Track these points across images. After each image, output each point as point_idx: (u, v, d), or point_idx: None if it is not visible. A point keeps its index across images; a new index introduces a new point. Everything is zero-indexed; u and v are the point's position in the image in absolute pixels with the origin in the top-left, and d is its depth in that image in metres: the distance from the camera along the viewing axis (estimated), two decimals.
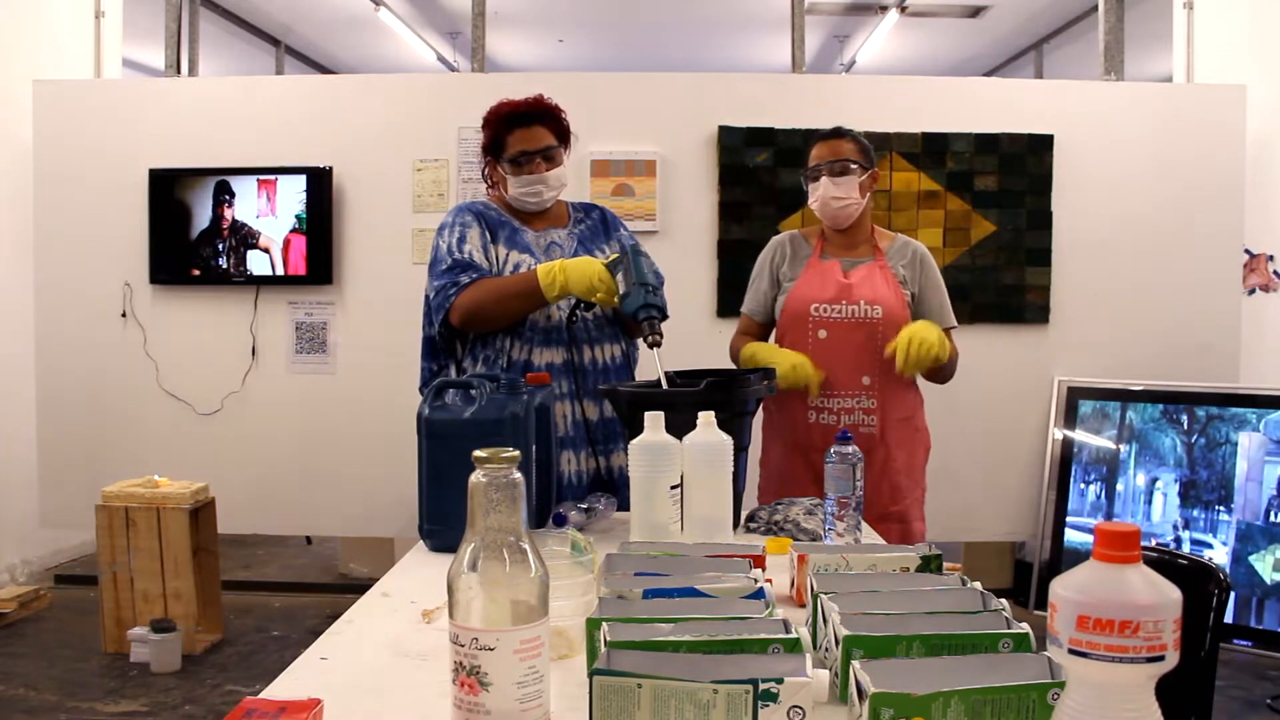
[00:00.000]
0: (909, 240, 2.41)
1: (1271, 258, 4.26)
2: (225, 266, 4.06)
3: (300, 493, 4.06)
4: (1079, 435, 3.94)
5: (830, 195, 2.28)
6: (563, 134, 2.15)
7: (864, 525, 1.72)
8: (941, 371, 2.33)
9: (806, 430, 2.29)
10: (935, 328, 2.23)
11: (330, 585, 4.58)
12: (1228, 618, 2.83)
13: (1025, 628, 0.99)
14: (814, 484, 2.22)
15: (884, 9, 6.74)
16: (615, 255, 2.03)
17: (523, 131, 2.10)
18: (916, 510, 2.38)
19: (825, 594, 1.09)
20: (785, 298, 2.34)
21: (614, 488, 2.02)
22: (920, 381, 2.42)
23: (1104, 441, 3.90)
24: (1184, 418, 3.75)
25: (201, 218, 4.03)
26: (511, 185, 2.12)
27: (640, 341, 2.02)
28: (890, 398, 2.31)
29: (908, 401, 2.36)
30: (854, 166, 2.29)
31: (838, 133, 2.35)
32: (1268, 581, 3.46)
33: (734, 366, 2.36)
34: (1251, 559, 3.51)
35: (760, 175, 3.96)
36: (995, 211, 4.01)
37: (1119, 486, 3.84)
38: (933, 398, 3.92)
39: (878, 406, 2.29)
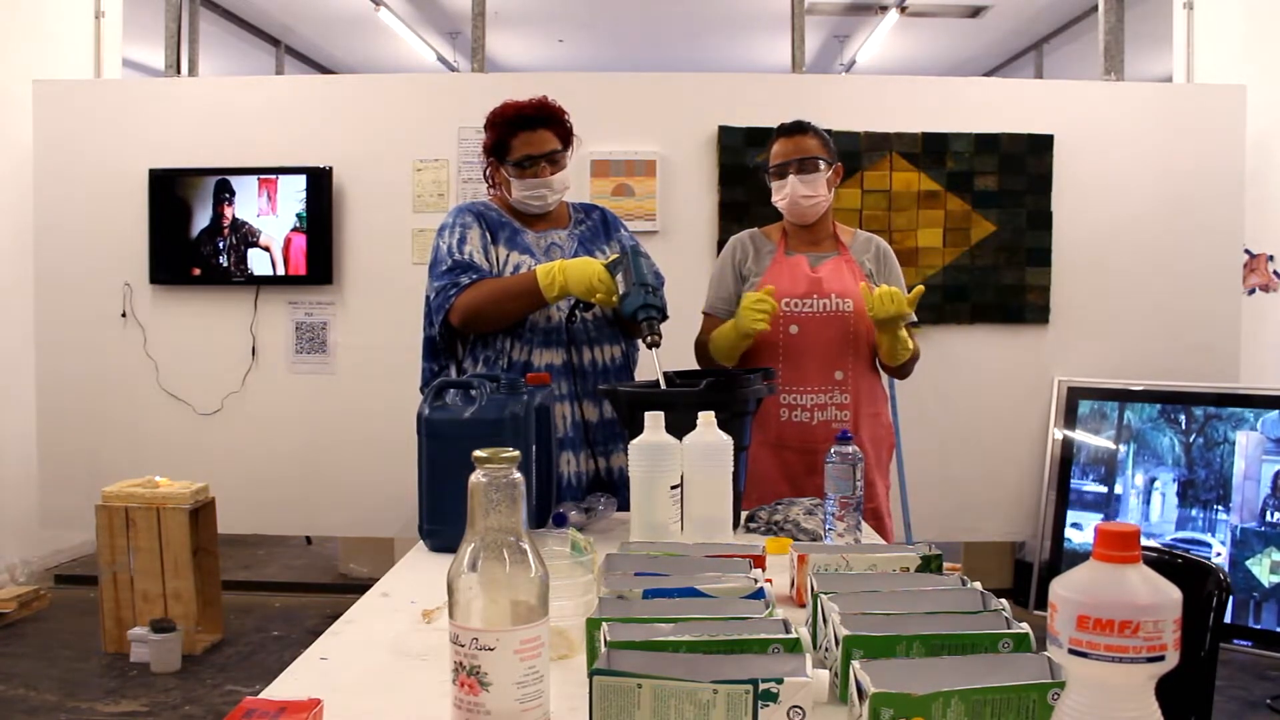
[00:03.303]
0: (871, 235, 2.38)
1: (1271, 258, 4.26)
2: (225, 265, 4.06)
3: (300, 493, 4.06)
4: (1079, 435, 3.94)
5: (800, 194, 2.24)
6: (566, 137, 2.15)
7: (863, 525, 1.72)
8: (903, 368, 2.29)
9: (779, 427, 2.22)
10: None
11: (330, 585, 4.58)
12: (1226, 619, 2.83)
13: (1025, 628, 0.99)
14: (787, 483, 2.18)
15: (884, 9, 6.74)
16: (615, 256, 2.03)
17: (527, 135, 2.09)
18: (886, 505, 2.35)
19: (825, 594, 1.09)
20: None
21: (613, 488, 2.02)
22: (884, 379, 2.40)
23: (1104, 441, 3.90)
24: (1182, 417, 3.75)
25: (202, 217, 4.04)
26: (515, 188, 2.12)
27: (640, 342, 2.02)
28: (862, 392, 2.26)
29: (876, 396, 2.33)
30: (821, 163, 2.26)
31: (800, 127, 2.29)
32: (1265, 584, 3.46)
33: (700, 365, 2.30)
34: (1248, 563, 3.51)
35: (760, 175, 3.96)
36: (995, 211, 4.01)
37: (1117, 487, 3.85)
38: (934, 398, 3.98)
39: (851, 401, 2.24)
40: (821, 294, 2.22)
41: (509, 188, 2.14)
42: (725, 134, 3.97)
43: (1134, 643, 0.64)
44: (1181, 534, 3.66)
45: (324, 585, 4.59)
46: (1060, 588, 0.67)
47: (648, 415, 1.57)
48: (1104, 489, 3.87)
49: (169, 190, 4.03)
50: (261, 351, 4.07)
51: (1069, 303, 4.03)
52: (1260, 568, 3.48)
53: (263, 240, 4.04)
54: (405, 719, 1.00)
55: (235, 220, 4.04)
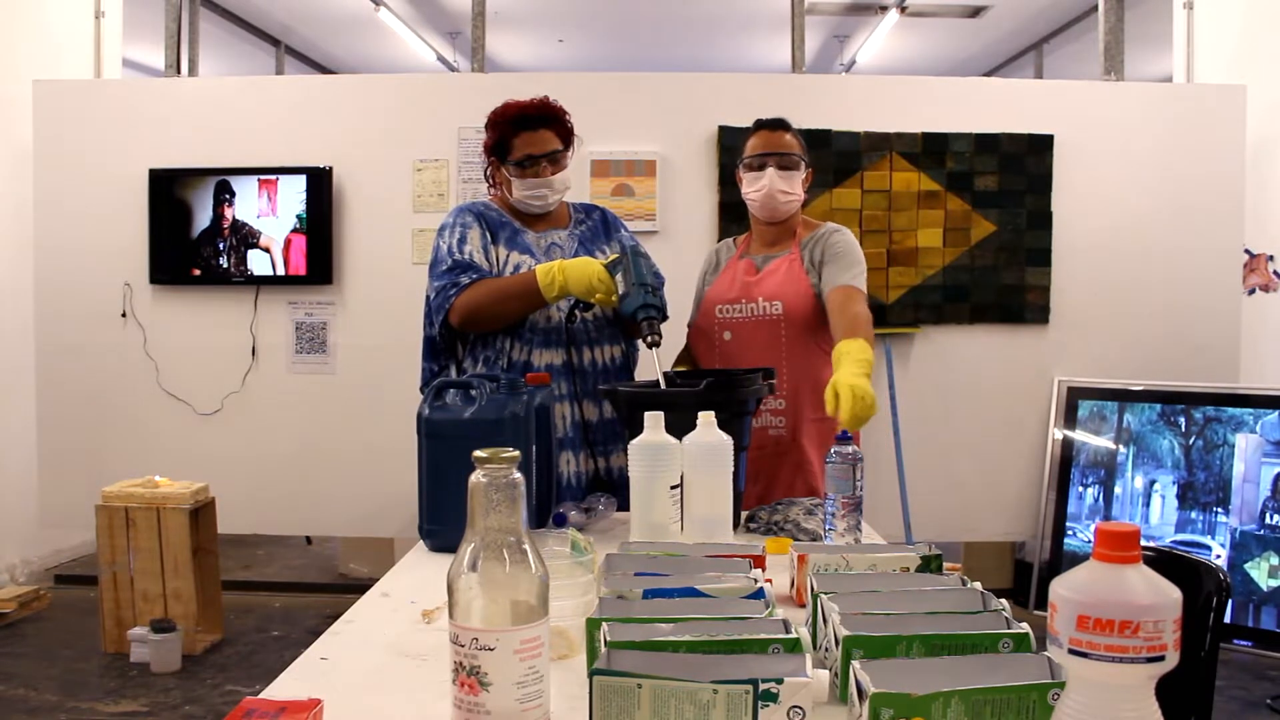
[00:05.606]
0: (830, 226, 2.28)
1: (1271, 258, 4.26)
2: (225, 266, 4.06)
3: (300, 493, 4.06)
4: (1078, 436, 3.94)
5: (778, 189, 2.21)
6: (567, 137, 2.15)
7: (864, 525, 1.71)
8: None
9: None
10: (859, 367, 1.87)
11: (330, 585, 4.58)
12: (1225, 620, 2.83)
13: (1025, 628, 0.99)
14: None
15: (884, 9, 6.74)
16: (615, 256, 2.03)
17: (529, 135, 2.10)
18: None
19: (825, 594, 1.09)
20: (699, 303, 2.31)
21: (613, 488, 2.02)
22: None
23: (1103, 442, 3.90)
24: (1181, 420, 3.75)
25: (202, 217, 4.04)
26: (516, 188, 2.12)
27: (640, 342, 2.02)
28: (803, 397, 2.16)
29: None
30: (800, 162, 2.25)
31: (781, 124, 2.28)
32: (1264, 588, 3.46)
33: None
34: (1247, 567, 3.50)
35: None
36: (995, 211, 4.01)
37: (1117, 489, 3.84)
38: (934, 398, 3.98)
39: (787, 407, 2.16)
40: (750, 298, 2.20)
41: (510, 187, 2.14)
42: (725, 134, 3.97)
43: (1134, 643, 0.64)
44: (1181, 536, 3.66)
45: (324, 585, 4.59)
46: (1060, 588, 0.67)
47: (648, 415, 1.57)
48: (1102, 488, 3.86)
49: (169, 190, 4.03)
50: (261, 351, 4.07)
51: (1069, 303, 4.03)
52: (1259, 571, 3.48)
53: (263, 241, 4.04)
54: (405, 719, 1.00)
55: (235, 221, 4.04)
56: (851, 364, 1.85)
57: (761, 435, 2.13)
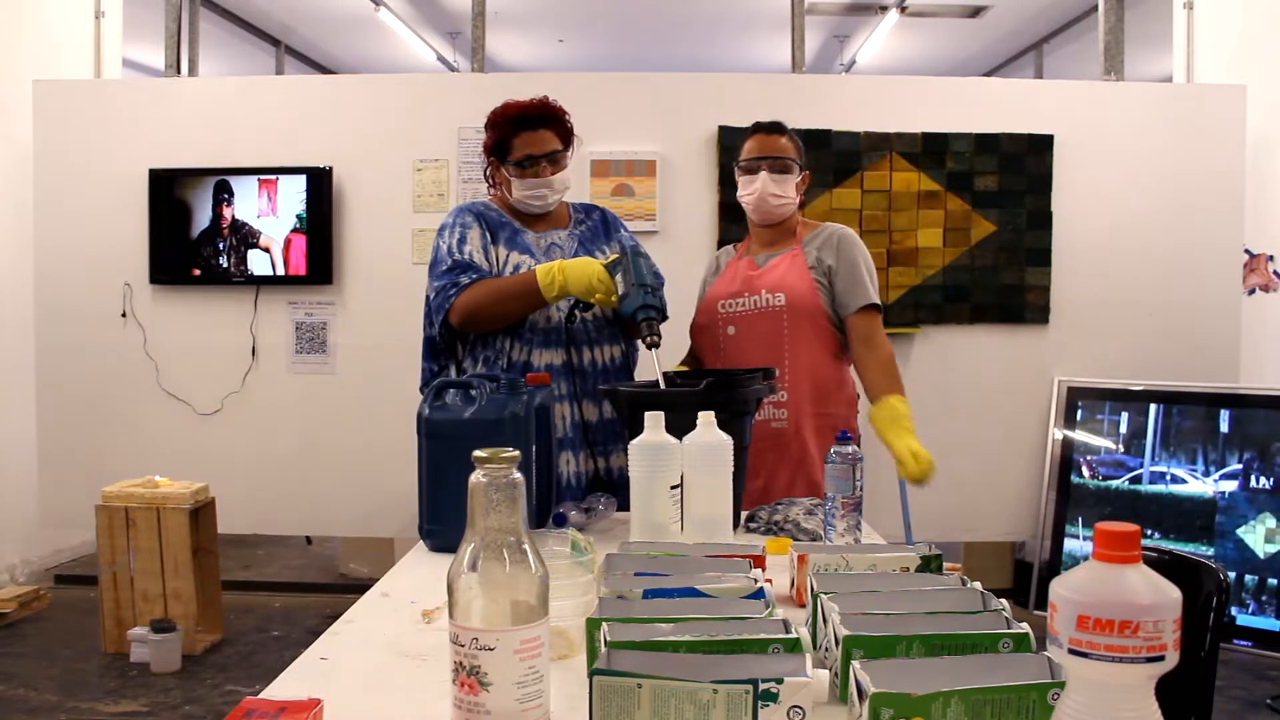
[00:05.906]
0: (834, 226, 2.31)
1: (1271, 258, 4.26)
2: (225, 266, 4.06)
3: (300, 493, 4.06)
4: (1079, 436, 3.94)
5: (770, 192, 2.22)
6: (567, 137, 2.15)
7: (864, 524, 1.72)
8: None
9: None
10: (898, 410, 2.13)
11: (330, 585, 4.58)
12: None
13: (1025, 628, 0.99)
14: None
15: (884, 9, 6.74)
16: (615, 256, 2.03)
17: (529, 135, 2.10)
18: None
19: (825, 594, 1.09)
20: (702, 302, 2.32)
21: (613, 488, 2.02)
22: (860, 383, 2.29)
23: (1104, 442, 3.90)
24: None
25: (202, 217, 4.04)
26: (516, 188, 2.12)
27: (639, 342, 2.02)
28: (804, 391, 2.18)
29: (830, 396, 2.22)
30: (794, 165, 2.25)
31: (777, 127, 2.29)
32: (1260, 556, 3.45)
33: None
34: (1239, 531, 3.49)
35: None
36: (995, 211, 4.01)
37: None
38: (934, 398, 3.98)
39: (789, 400, 2.17)
40: (753, 291, 2.21)
41: (509, 187, 2.14)
42: (725, 134, 3.96)
43: (1134, 643, 0.64)
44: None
45: (324, 585, 4.59)
46: (1060, 587, 0.67)
47: (648, 415, 1.57)
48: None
49: (169, 190, 4.03)
50: (261, 351, 4.07)
51: (1069, 303, 4.03)
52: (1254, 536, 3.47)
53: (263, 241, 4.04)
54: (405, 719, 1.00)
55: (235, 221, 4.04)
56: (907, 434, 2.12)
57: (763, 428, 2.13)
